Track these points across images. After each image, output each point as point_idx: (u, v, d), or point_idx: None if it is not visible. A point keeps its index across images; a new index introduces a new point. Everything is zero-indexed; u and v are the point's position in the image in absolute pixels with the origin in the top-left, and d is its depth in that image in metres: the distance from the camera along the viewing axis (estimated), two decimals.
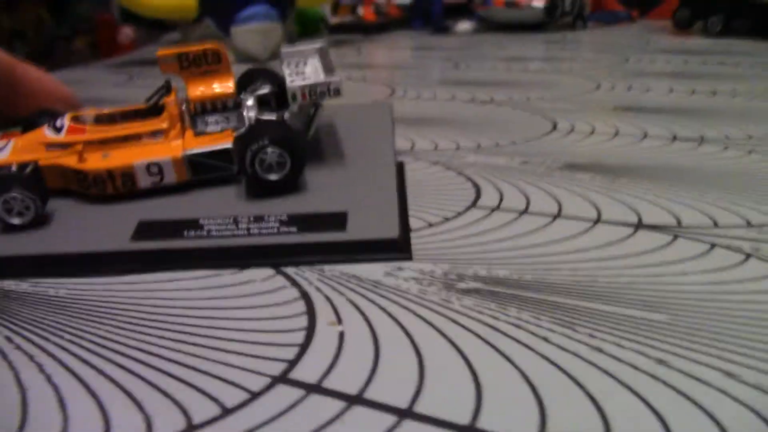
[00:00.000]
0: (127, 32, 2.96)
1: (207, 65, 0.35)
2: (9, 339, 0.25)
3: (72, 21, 2.82)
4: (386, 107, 0.46)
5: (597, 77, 0.77)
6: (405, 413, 0.20)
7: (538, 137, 0.51)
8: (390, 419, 0.20)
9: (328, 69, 0.36)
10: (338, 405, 0.20)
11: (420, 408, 0.20)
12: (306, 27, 1.33)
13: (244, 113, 0.35)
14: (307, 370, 0.22)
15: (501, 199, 0.37)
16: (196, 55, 0.35)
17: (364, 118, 0.42)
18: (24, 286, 0.30)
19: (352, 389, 0.21)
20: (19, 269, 0.30)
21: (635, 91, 0.68)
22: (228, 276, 0.30)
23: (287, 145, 0.32)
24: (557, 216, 0.35)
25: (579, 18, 1.33)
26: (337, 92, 0.34)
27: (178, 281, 0.29)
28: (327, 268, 0.30)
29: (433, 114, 0.61)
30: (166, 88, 0.36)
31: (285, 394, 0.21)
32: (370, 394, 0.21)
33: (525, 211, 0.36)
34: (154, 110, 0.36)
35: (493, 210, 0.36)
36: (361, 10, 1.47)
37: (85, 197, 0.34)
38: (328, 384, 0.22)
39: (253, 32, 1.01)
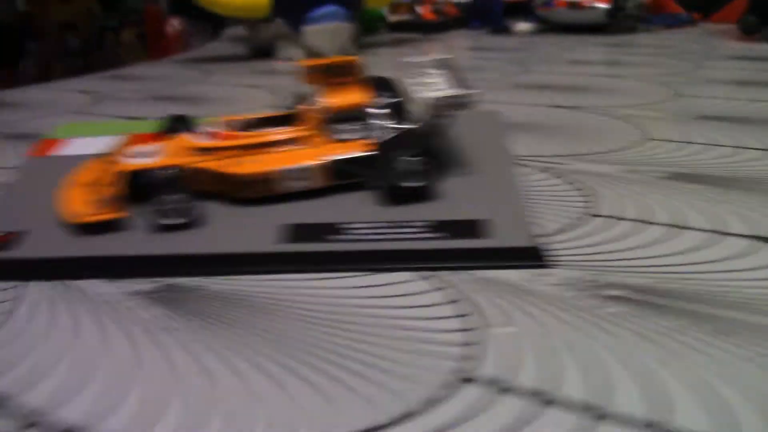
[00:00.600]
0: (174, 24, 3.01)
1: (345, 76, 0.37)
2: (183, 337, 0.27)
3: (121, 12, 2.88)
4: (494, 115, 0.48)
5: (673, 84, 0.77)
6: (599, 411, 0.21)
7: (634, 146, 0.52)
8: (583, 418, 0.21)
9: (459, 80, 0.37)
10: (526, 404, 0.22)
11: (614, 408, 0.22)
12: (366, 26, 1.35)
13: (378, 122, 0.37)
14: (487, 369, 0.24)
15: (620, 209, 0.38)
16: (336, 66, 0.36)
17: (475, 127, 0.43)
18: (182, 281, 0.32)
19: (539, 387, 0.23)
20: (174, 268, 0.32)
21: (719, 100, 0.68)
22: (374, 277, 0.31)
23: (428, 153, 0.34)
24: (681, 227, 0.36)
25: (640, 20, 1.33)
26: (472, 105, 0.35)
27: (328, 280, 0.31)
28: (470, 272, 0.31)
29: (520, 119, 0.62)
30: (304, 97, 0.38)
31: (470, 393, 0.23)
32: (560, 393, 0.22)
33: (647, 221, 0.37)
34: (291, 118, 0.38)
35: (615, 219, 0.37)
36: (420, 9, 1.48)
37: (229, 200, 0.36)
38: (514, 383, 0.23)
39: (324, 31, 1.03)
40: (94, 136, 0.47)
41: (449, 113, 0.36)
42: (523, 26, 1.39)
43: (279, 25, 1.05)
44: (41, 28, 2.57)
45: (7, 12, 2.42)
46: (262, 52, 1.13)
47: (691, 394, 0.22)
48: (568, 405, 0.22)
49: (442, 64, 0.40)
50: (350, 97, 0.37)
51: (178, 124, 0.40)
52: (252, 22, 1.13)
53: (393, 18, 1.49)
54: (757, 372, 0.23)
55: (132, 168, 0.35)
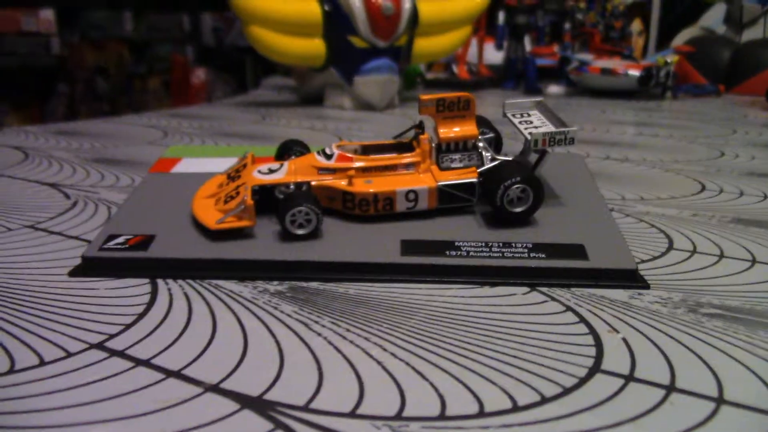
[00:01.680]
0: (199, 75, 3.12)
1: (458, 110, 0.41)
2: (342, 336, 0.31)
3: (149, 61, 3.00)
4: (580, 158, 0.52)
5: (715, 145, 0.82)
6: (718, 401, 0.25)
7: (692, 195, 0.56)
8: (708, 405, 0.24)
9: (557, 120, 0.41)
10: (658, 392, 0.25)
11: (729, 395, 0.25)
12: (405, 81, 1.41)
13: (484, 153, 0.41)
14: (612, 365, 0.27)
15: (694, 244, 0.42)
16: (451, 101, 0.40)
17: (561, 167, 0.47)
18: (314, 284, 0.35)
19: (662, 380, 0.26)
20: (307, 272, 0.36)
21: (760, 160, 0.72)
22: (489, 289, 0.35)
23: (531, 182, 0.38)
24: (754, 261, 0.39)
25: (669, 88, 1.38)
26: (572, 141, 0.39)
27: (442, 290, 0.35)
28: (574, 290, 0.35)
29: None
30: (421, 128, 0.42)
31: (602, 382, 0.26)
32: (680, 384, 0.26)
33: (722, 255, 0.40)
34: (405, 145, 0.42)
35: (692, 253, 0.41)
36: (456, 68, 1.54)
37: (346, 216, 0.40)
38: (639, 374, 0.26)
39: (374, 83, 1.09)
40: (201, 157, 0.51)
41: (549, 148, 0.39)
42: (554, 89, 1.45)
43: (330, 75, 1.11)
44: (73, 71, 2.68)
45: (44, 56, 2.54)
46: (312, 98, 1.18)
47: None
48: (688, 393, 0.25)
49: (540, 106, 0.44)
50: (461, 129, 0.41)
51: (297, 148, 0.44)
52: (303, 71, 1.19)
53: (430, 75, 1.56)
54: None
55: (263, 182, 0.39)
